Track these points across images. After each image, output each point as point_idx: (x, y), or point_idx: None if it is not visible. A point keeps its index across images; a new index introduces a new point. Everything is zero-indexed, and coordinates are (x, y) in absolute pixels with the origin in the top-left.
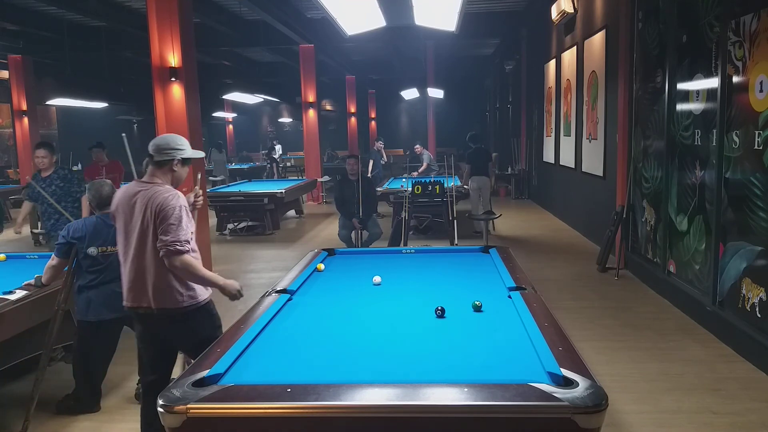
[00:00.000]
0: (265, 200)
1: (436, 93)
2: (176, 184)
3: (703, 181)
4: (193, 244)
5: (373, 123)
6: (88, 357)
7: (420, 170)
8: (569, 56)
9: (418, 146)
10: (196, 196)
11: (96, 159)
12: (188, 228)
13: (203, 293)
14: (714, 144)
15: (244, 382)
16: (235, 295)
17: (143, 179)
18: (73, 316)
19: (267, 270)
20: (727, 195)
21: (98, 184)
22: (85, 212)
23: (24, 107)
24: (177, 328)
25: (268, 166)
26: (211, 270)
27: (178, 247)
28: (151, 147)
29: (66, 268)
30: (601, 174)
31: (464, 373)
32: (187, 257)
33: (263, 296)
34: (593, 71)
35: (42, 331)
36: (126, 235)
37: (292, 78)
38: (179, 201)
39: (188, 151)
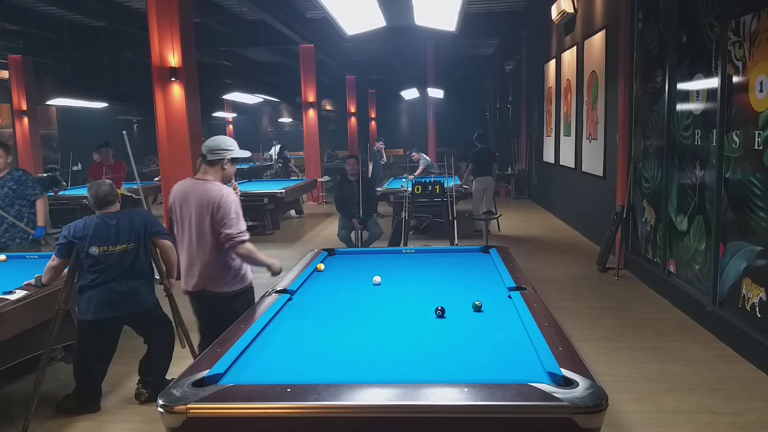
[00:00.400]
0: (265, 200)
1: (436, 93)
2: (225, 181)
3: (703, 181)
4: None
5: (373, 123)
6: (89, 357)
7: (416, 173)
8: (569, 56)
9: (414, 153)
10: (234, 189)
11: (102, 158)
12: (242, 218)
13: (245, 281)
14: (714, 144)
15: (244, 382)
16: (277, 272)
17: (197, 176)
18: (74, 316)
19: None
20: (727, 195)
21: (96, 185)
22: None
23: (24, 107)
24: (221, 308)
25: (280, 165)
26: None
27: (243, 237)
28: (203, 148)
29: (67, 268)
30: (601, 174)
31: (464, 373)
32: (249, 244)
33: (263, 296)
34: (593, 71)
35: (42, 331)
36: (182, 226)
37: (292, 78)
38: (233, 197)
39: (236, 152)
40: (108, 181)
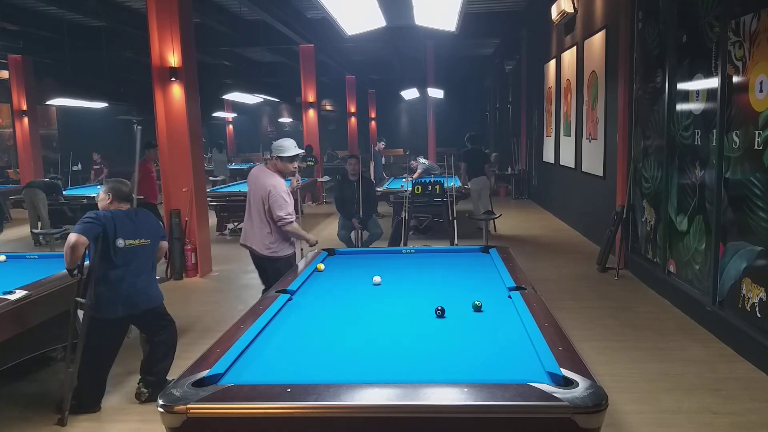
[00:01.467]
0: None
1: (436, 93)
2: (282, 173)
3: (703, 181)
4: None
5: (373, 123)
6: (99, 354)
7: (413, 176)
8: (569, 56)
9: (413, 161)
10: (296, 181)
11: (149, 157)
12: (291, 203)
13: (284, 251)
14: (714, 144)
15: (244, 382)
16: (313, 244)
17: (267, 165)
18: (73, 314)
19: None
20: (727, 195)
21: (121, 182)
22: None
23: (24, 107)
24: (267, 266)
25: (311, 163)
26: (211, 269)
27: (289, 219)
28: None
29: (87, 261)
30: (601, 174)
31: (464, 373)
32: (294, 224)
33: (263, 296)
34: (593, 71)
35: (41, 331)
36: (248, 200)
37: (292, 78)
38: (282, 187)
39: (287, 152)
40: (126, 181)
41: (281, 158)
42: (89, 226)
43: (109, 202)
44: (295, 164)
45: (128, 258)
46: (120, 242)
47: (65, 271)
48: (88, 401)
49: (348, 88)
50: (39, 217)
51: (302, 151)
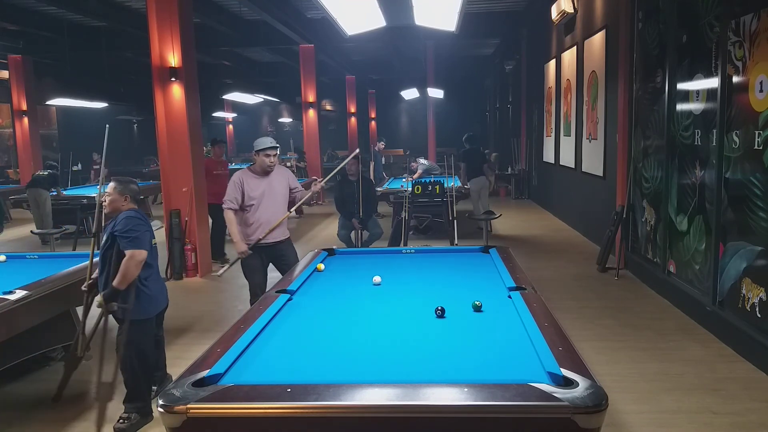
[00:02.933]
0: None
1: (436, 93)
2: (259, 167)
3: (703, 181)
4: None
5: (373, 123)
6: (150, 355)
7: (413, 176)
8: (569, 56)
9: (413, 163)
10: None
11: (216, 154)
12: (234, 194)
13: (250, 238)
14: (714, 144)
15: (244, 382)
16: (238, 253)
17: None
18: (75, 318)
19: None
20: (727, 195)
21: (134, 182)
22: None
23: (24, 107)
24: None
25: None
26: (211, 268)
27: (223, 206)
28: None
29: (100, 265)
30: (601, 174)
31: (464, 373)
32: (226, 213)
33: (263, 296)
34: (593, 71)
35: (42, 332)
36: None
37: (292, 78)
38: (234, 178)
39: (259, 146)
40: (135, 180)
41: (257, 152)
42: (145, 237)
43: (125, 201)
44: (272, 158)
45: (155, 256)
46: (154, 242)
47: (83, 285)
48: (149, 412)
49: (348, 88)
50: (41, 217)
51: (273, 144)
